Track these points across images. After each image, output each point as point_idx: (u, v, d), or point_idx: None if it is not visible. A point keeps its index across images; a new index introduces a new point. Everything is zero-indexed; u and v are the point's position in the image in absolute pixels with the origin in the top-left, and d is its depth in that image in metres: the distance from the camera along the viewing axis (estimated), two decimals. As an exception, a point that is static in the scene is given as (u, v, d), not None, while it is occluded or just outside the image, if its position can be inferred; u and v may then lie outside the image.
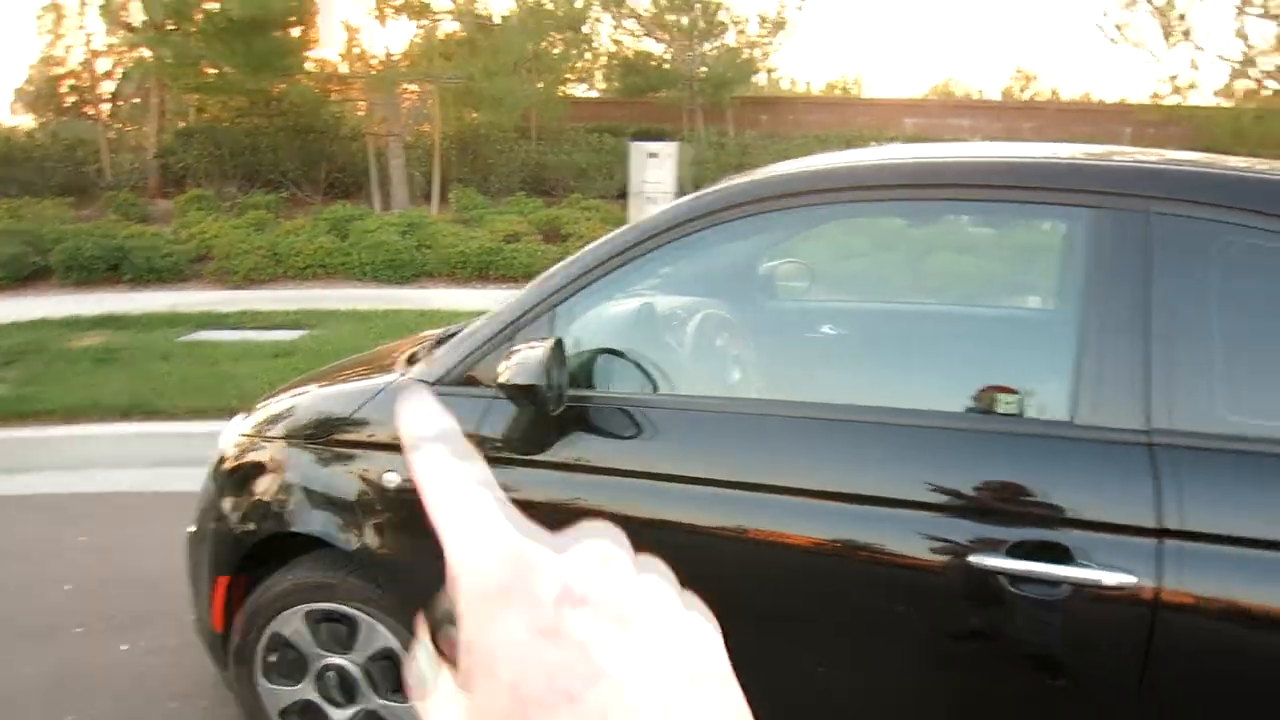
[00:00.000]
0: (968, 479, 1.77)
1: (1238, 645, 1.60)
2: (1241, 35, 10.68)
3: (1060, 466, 1.73)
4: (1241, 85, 11.59)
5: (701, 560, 1.96)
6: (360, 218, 10.73)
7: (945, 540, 1.76)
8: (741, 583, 1.94)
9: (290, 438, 2.46)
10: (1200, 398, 1.66)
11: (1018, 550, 1.70)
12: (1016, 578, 1.70)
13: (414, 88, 13.47)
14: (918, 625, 1.81)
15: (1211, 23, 21.65)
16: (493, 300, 3.40)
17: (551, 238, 10.49)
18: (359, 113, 14.35)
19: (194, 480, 4.76)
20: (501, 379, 1.94)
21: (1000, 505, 1.74)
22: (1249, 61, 10.65)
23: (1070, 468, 1.72)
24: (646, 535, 1.76)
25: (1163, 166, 1.83)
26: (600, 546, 0.38)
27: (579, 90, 18.90)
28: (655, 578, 0.39)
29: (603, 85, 19.09)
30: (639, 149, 10.94)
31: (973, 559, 1.72)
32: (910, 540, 1.79)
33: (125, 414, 5.48)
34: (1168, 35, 10.91)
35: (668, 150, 10.88)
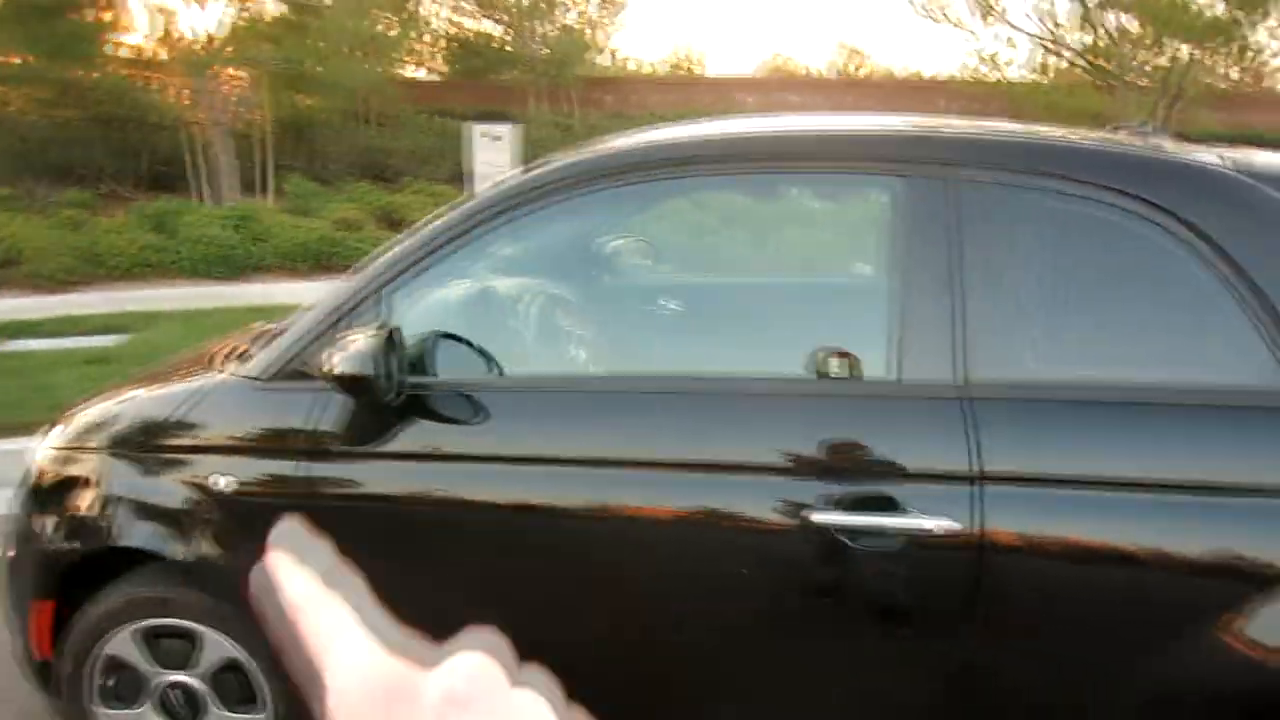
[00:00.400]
0: (804, 440, 1.84)
1: (1055, 577, 1.72)
2: (1050, 15, 11.37)
3: (887, 422, 1.82)
4: (1053, 62, 12.36)
5: (554, 540, 1.95)
6: (186, 212, 10.15)
7: (787, 500, 1.82)
8: (596, 556, 1.95)
9: (108, 447, 2.31)
10: (1008, 351, 1.78)
11: (854, 505, 1.78)
12: (854, 531, 1.78)
13: (239, 73, 12.82)
14: (768, 585, 1.88)
15: (1024, 2, 22.99)
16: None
17: (392, 224, 10.22)
18: (181, 101, 13.55)
19: (3, 502, 4.44)
20: (333, 370, 1.87)
21: (835, 463, 1.82)
22: (1059, 40, 11.35)
23: (897, 423, 1.81)
24: (501, 519, 1.74)
25: (969, 135, 1.93)
26: (474, 661, 0.36)
27: (416, 73, 18.45)
28: (532, 694, 0.37)
29: (441, 68, 18.67)
30: (478, 131, 10.75)
31: (814, 517, 1.78)
32: (755, 503, 1.85)
33: (-74, 435, 5.04)
34: (984, 14, 11.50)
35: (508, 132, 10.74)
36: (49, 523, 2.35)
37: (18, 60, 11.30)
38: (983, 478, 1.71)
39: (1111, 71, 10.58)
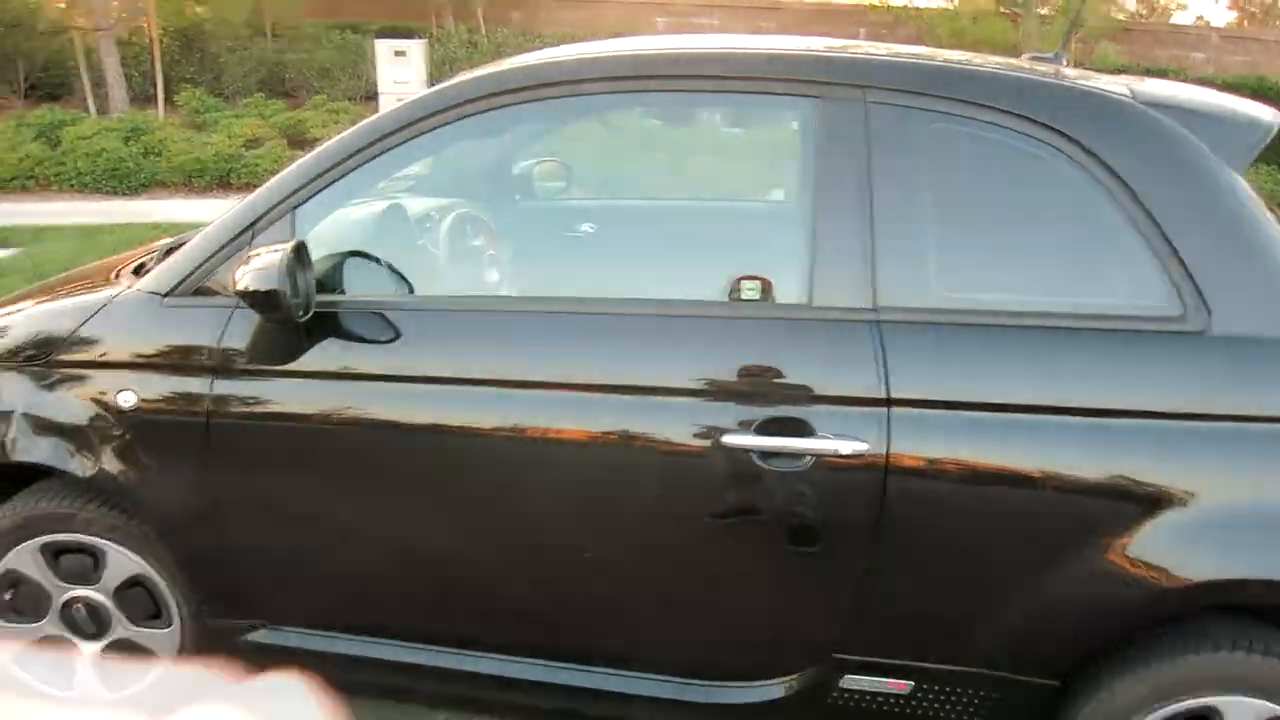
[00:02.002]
0: (718, 363, 1.86)
1: (955, 497, 1.79)
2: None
3: (800, 346, 1.85)
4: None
5: (464, 460, 1.98)
6: (73, 122, 9.64)
7: (700, 423, 1.85)
8: (506, 477, 1.98)
9: (3, 361, 2.24)
10: (918, 276, 1.81)
11: (765, 428, 1.82)
12: (766, 453, 1.83)
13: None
14: (681, 507, 1.91)
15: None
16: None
17: (297, 142, 9.88)
18: (59, 4, 12.72)
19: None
20: (240, 286, 1.84)
21: (748, 387, 1.85)
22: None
23: (808, 347, 1.84)
24: (408, 440, 1.75)
25: (879, 57, 1.95)
26: None
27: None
28: None
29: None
30: (385, 47, 10.42)
31: (726, 439, 1.83)
32: (668, 425, 1.87)
33: None
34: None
35: (416, 48, 10.43)
36: (-59, 439, 2.28)
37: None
38: (890, 401, 1.77)
39: (1016, 0, 10.79)
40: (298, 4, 14.13)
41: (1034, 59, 2.38)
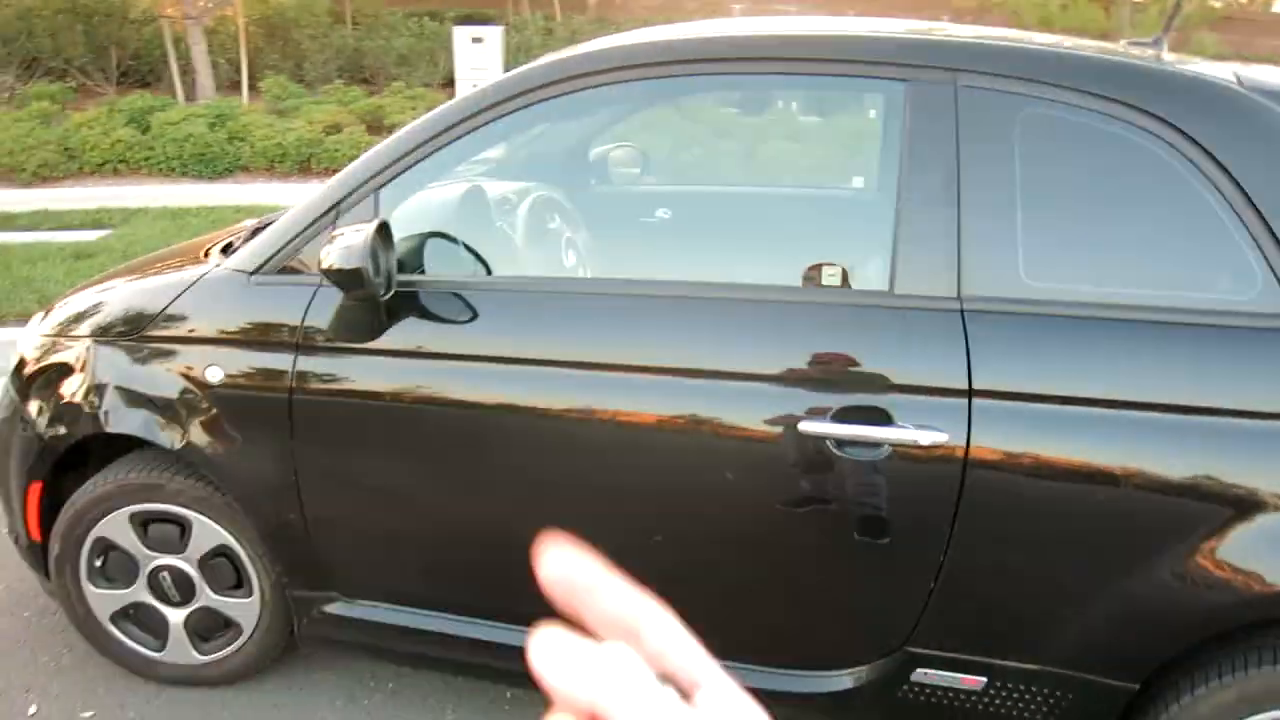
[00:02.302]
0: (795, 350, 1.84)
1: (1039, 494, 1.74)
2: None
3: (880, 334, 1.82)
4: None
5: (539, 441, 1.99)
6: (162, 108, 9.90)
7: (776, 410, 1.83)
8: (578, 458, 1.99)
9: (98, 335, 2.32)
10: (1006, 265, 1.76)
11: (842, 415, 1.79)
12: (842, 441, 1.80)
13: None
14: (754, 494, 1.89)
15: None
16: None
17: (375, 128, 10.01)
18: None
19: None
20: (325, 264, 1.87)
21: (826, 374, 1.82)
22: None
23: (889, 335, 1.81)
24: (482, 420, 1.76)
25: (970, 40, 1.90)
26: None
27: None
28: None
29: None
30: (463, 34, 10.52)
31: (803, 426, 1.81)
32: (743, 411, 1.86)
33: (-95, 325, 5.01)
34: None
35: (493, 35, 10.50)
36: (39, 408, 2.37)
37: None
38: (972, 392, 1.73)
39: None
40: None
41: (1132, 44, 2.30)
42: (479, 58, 10.18)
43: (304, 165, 9.15)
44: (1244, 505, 1.66)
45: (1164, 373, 1.70)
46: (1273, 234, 1.68)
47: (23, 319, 5.04)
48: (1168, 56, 2.09)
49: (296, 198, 2.31)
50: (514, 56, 12.28)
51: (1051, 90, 1.78)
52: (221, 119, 9.54)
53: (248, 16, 12.12)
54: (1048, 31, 10.85)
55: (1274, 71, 2.03)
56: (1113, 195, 1.79)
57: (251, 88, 11.75)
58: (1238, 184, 1.70)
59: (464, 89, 10.48)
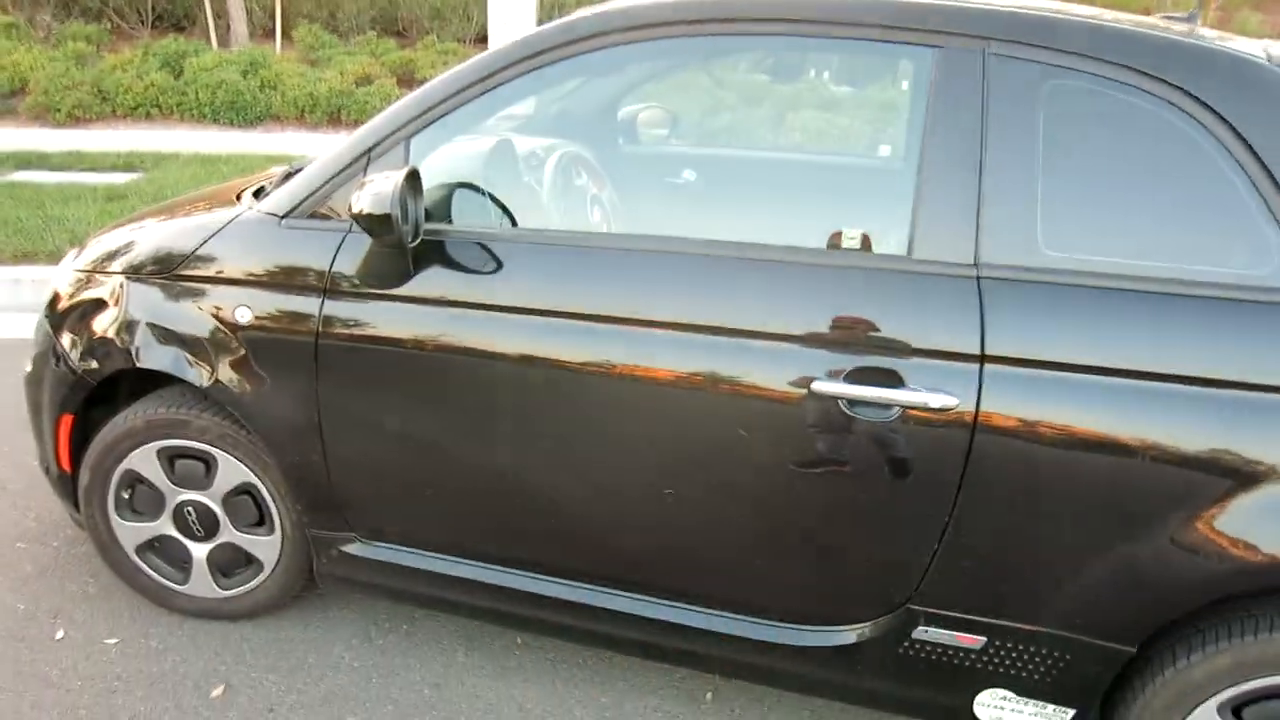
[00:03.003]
0: (811, 310, 1.86)
1: (1046, 459, 1.76)
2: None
3: (896, 298, 1.83)
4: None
5: (558, 392, 2.03)
6: (196, 54, 9.95)
7: (790, 368, 1.86)
8: (596, 413, 2.02)
9: (131, 272, 2.37)
10: (1025, 233, 1.78)
11: (855, 376, 1.82)
12: (854, 402, 1.83)
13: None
14: (765, 450, 1.92)
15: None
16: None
17: (406, 81, 10.03)
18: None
19: (23, 326, 4.54)
20: (355, 209, 1.90)
21: (840, 335, 1.84)
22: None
23: (905, 299, 1.82)
24: (503, 368, 1.79)
25: (1002, 9, 1.90)
26: None
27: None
28: None
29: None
30: (497, -12, 10.44)
31: (816, 385, 1.84)
32: (758, 368, 1.88)
33: (-59, 259, 5.11)
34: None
35: (527, -10, 10.43)
36: (71, 342, 2.43)
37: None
38: (985, 358, 1.76)
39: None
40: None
41: (1167, 18, 2.28)
42: (512, 12, 10.11)
43: (334, 116, 9.19)
44: (1247, 477, 1.68)
45: (1176, 344, 1.71)
46: None
47: (55, 258, 5.13)
48: (1202, 31, 2.07)
49: (326, 147, 2.35)
50: (548, 13, 12.20)
51: (1080, 61, 1.78)
52: (254, 66, 9.58)
53: (283, -36, 12.09)
54: (1088, 4, 10.67)
55: None
56: (1135, 167, 1.79)
57: (285, 36, 11.76)
58: (1260, 159, 1.70)
59: (496, 44, 10.45)
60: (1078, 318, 1.75)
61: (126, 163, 7.24)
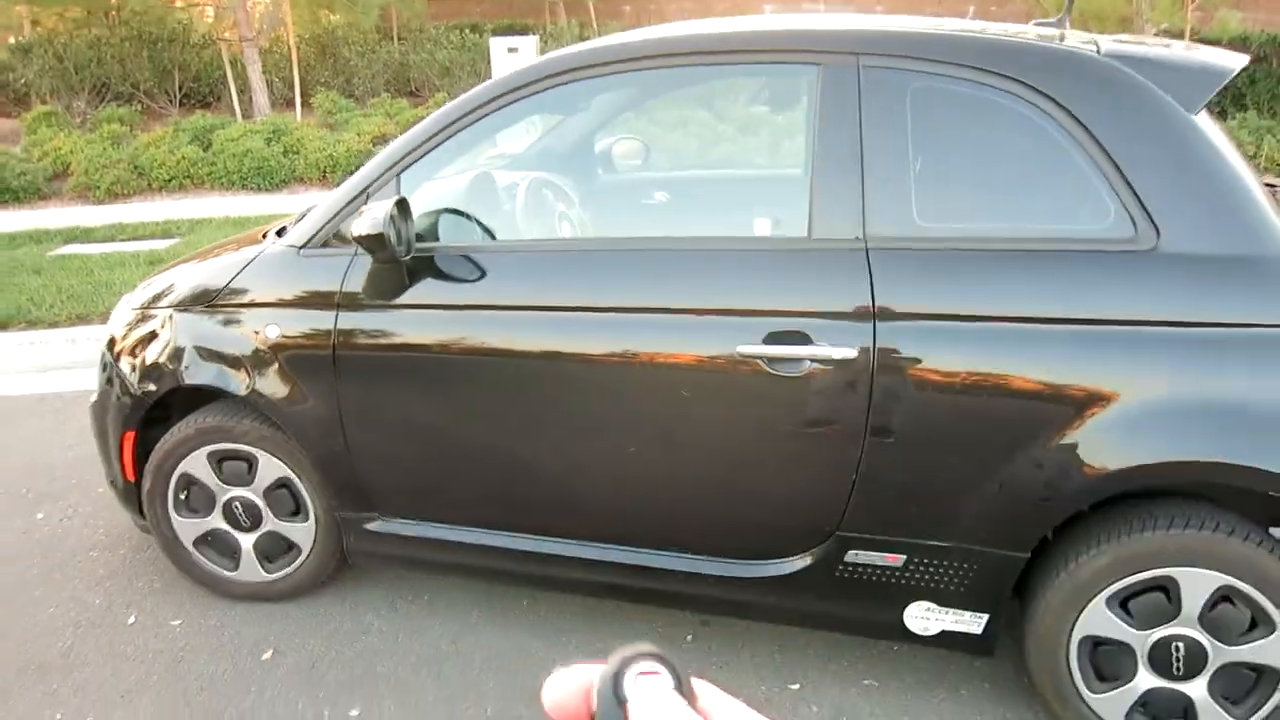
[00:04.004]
0: (733, 286, 2.26)
1: (934, 396, 2.12)
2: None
3: (800, 270, 2.22)
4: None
5: (533, 373, 2.42)
6: (222, 126, 10.60)
7: (719, 336, 2.24)
8: (563, 388, 2.41)
9: (176, 306, 2.81)
10: (901, 210, 2.16)
11: (771, 338, 2.20)
12: (772, 359, 2.21)
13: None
14: (705, 407, 2.30)
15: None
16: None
17: (419, 137, 10.60)
18: (206, 19, 13.92)
19: (80, 380, 5.03)
20: (356, 233, 2.33)
21: (757, 304, 2.23)
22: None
23: (808, 271, 2.22)
24: (489, 359, 2.26)
25: (870, 29, 2.30)
26: None
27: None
28: None
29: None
30: (499, 44, 11.06)
31: (739, 349, 2.22)
32: (694, 339, 2.27)
33: (4, 325, 5.62)
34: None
35: (527, 44, 11.03)
36: (131, 369, 2.87)
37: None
38: (875, 314, 2.13)
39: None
40: (422, 8, 15.01)
41: (1038, 24, 2.67)
42: (515, 67, 10.70)
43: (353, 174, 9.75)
44: (1098, 399, 2.03)
45: (1033, 290, 2.07)
46: (1122, 175, 2.05)
47: (106, 318, 5.64)
48: (1070, 34, 2.46)
49: (333, 190, 2.84)
50: (550, 63, 12.77)
51: (936, 66, 2.17)
52: (277, 134, 10.20)
53: (299, 36, 12.80)
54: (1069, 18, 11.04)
55: (1131, 40, 2.40)
56: (989, 149, 2.18)
57: (304, 103, 12.43)
58: (1093, 135, 2.07)
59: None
60: (949, 275, 2.12)
61: (164, 230, 7.80)
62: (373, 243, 2.32)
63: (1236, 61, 2.24)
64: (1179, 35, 11.47)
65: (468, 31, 14.04)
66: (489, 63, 12.29)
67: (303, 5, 13.10)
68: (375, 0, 12.71)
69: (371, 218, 2.30)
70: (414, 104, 12.44)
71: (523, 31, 13.81)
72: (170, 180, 9.57)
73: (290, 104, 12.52)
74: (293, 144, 9.99)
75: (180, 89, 12.92)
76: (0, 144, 10.85)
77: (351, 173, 8.44)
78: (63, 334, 5.55)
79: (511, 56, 10.74)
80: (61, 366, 5.42)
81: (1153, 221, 2.04)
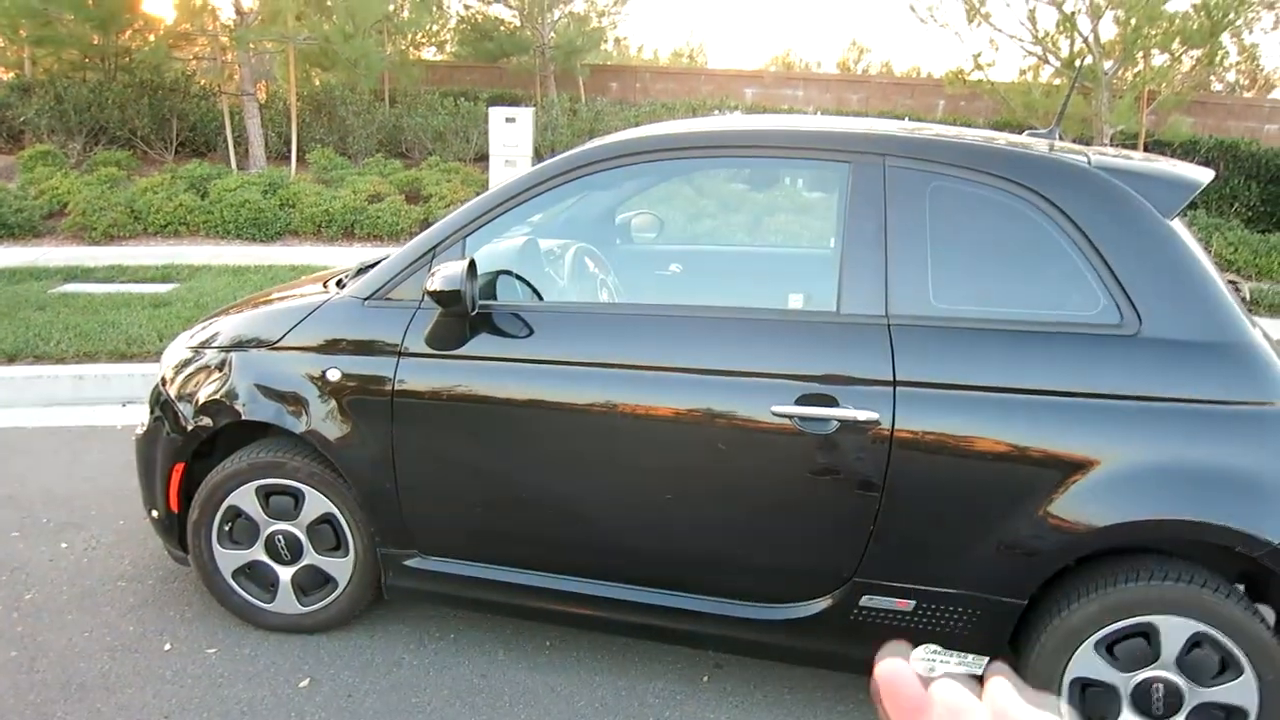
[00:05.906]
0: (769, 353, 2.52)
1: (946, 457, 2.38)
2: (1031, 19, 12.04)
3: (829, 341, 2.50)
4: (1034, 65, 13.09)
5: (581, 426, 2.64)
6: (218, 176, 10.81)
7: (755, 396, 2.49)
8: (608, 440, 2.64)
9: (237, 347, 3.00)
10: (919, 292, 2.45)
11: (803, 400, 2.46)
12: (803, 419, 2.47)
13: (266, 47, 13.42)
14: (741, 460, 2.53)
15: (1008, 6, 23.80)
16: (360, 257, 4.04)
17: (413, 198, 10.87)
18: (204, 70, 14.21)
19: (89, 416, 5.17)
20: (432, 287, 2.56)
21: (791, 370, 2.49)
22: (1042, 44, 12.00)
23: (836, 342, 2.49)
24: (540, 410, 2.54)
25: (895, 133, 2.61)
26: None
27: (429, 54, 19.07)
28: None
29: (455, 50, 19.25)
30: (498, 113, 11.45)
31: (774, 408, 2.47)
32: (732, 398, 2.51)
33: (12, 358, 5.73)
34: (970, 17, 12.14)
35: (524, 115, 11.42)
36: (186, 403, 3.05)
37: (57, 22, 12.01)
38: (896, 383, 2.40)
39: (1089, 76, 11.23)
40: (417, 74, 15.44)
41: (1032, 133, 3.01)
42: (511, 135, 11.08)
43: (349, 230, 9.97)
44: (1082, 465, 2.31)
45: (1030, 366, 2.36)
46: (1110, 270, 2.36)
47: (114, 356, 5.78)
48: (1060, 144, 2.79)
49: (341, 259, 3.02)
50: (541, 134, 13.21)
51: (952, 169, 2.49)
52: (273, 187, 10.42)
53: (298, 93, 13.11)
54: (1031, 117, 11.69)
55: (1119, 153, 2.74)
56: (996, 243, 2.49)
57: (299, 159, 12.68)
58: (1085, 234, 2.38)
59: (496, 163, 11.39)
60: (960, 350, 2.41)
61: (164, 274, 7.94)
62: (448, 298, 2.55)
63: (1205, 175, 2.58)
64: (1134, 137, 12.16)
65: (461, 99, 14.44)
66: (481, 130, 12.68)
67: (299, 63, 13.43)
68: (377, 65, 13.05)
69: (447, 275, 2.54)
70: (406, 165, 12.75)
71: (515, 101, 14.26)
72: (166, 225, 9.72)
73: (284, 158, 12.77)
74: (289, 197, 10.21)
75: (176, 137, 13.12)
76: (-7, 181, 10.96)
77: (348, 230, 8.65)
78: (69, 370, 5.66)
79: (510, 126, 11.12)
80: (68, 402, 5.53)
81: (1136, 310, 2.34)
